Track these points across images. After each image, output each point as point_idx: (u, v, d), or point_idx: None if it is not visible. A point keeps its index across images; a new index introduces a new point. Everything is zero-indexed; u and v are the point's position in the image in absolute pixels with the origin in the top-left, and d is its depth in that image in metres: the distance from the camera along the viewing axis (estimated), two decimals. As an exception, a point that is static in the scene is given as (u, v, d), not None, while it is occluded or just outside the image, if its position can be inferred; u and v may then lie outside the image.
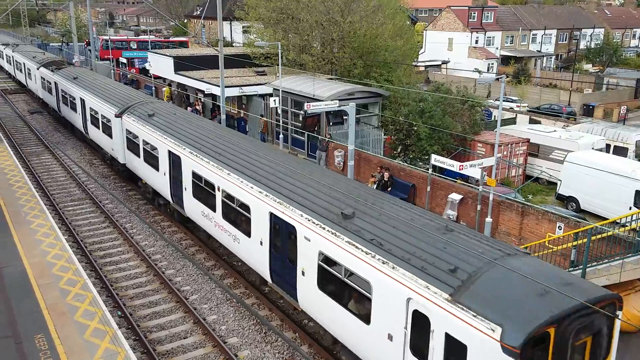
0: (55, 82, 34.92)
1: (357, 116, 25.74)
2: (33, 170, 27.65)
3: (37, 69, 39.96)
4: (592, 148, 27.77)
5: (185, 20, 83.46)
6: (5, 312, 14.10)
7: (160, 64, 41.59)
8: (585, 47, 75.67)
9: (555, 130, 30.59)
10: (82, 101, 29.02)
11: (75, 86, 30.76)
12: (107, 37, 65.85)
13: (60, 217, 21.80)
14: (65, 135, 35.12)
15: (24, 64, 46.55)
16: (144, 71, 52.98)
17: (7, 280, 15.82)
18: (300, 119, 29.72)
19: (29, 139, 34.40)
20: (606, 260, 15.05)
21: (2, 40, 66.00)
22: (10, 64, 55.12)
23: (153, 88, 46.24)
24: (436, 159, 20.98)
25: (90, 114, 27.98)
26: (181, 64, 38.56)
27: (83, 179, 26.75)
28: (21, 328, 13.42)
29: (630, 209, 21.41)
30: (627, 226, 15.64)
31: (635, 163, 25.30)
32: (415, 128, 26.88)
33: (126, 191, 25.37)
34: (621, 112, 47.44)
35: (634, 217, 16.14)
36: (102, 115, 26.03)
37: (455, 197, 21.69)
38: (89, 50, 57.53)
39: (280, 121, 30.34)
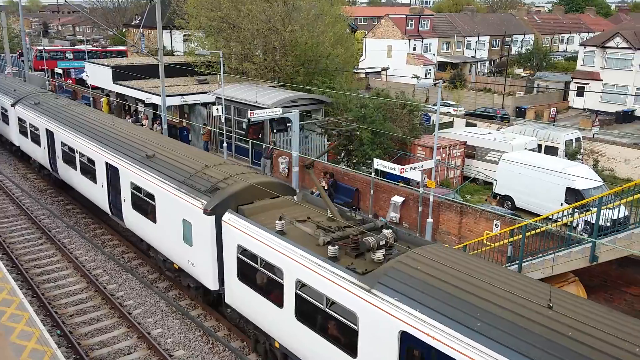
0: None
1: (300, 123, 25.91)
2: (-38, 187, 26.33)
3: None
4: (525, 148, 29.00)
5: (124, 30, 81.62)
6: None
7: (98, 74, 40.52)
8: (516, 53, 78.96)
9: (490, 133, 31.77)
10: None
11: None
12: (41, 48, 63.63)
13: (-7, 235, 20.87)
14: (-3, 150, 33.60)
15: None
16: (81, 82, 51.47)
17: None
18: (244, 127, 29.64)
19: (-43, 155, 32.74)
20: (540, 255, 15.77)
21: None
22: None
23: (91, 99, 44.99)
24: (378, 163, 21.41)
25: None
26: (120, 74, 37.71)
27: (17, 194, 25.70)
28: (-48, 352, 12.78)
29: (561, 205, 22.50)
30: (558, 222, 16.42)
31: (565, 161, 26.61)
32: (358, 133, 27.33)
33: (63, 205, 24.56)
34: (551, 113, 49.79)
35: (565, 213, 16.97)
36: None
37: (398, 199, 22.19)
38: (23, 61, 55.36)
39: (224, 129, 30.18)
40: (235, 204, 13.83)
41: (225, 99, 29.70)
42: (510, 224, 17.96)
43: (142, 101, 35.12)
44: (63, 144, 22.69)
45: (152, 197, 16.42)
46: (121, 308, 15.88)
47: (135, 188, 17.38)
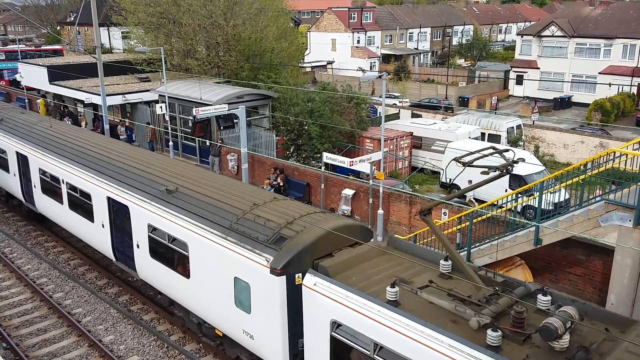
0: None
1: (247, 119, 25.68)
2: None
3: None
4: (469, 137, 29.75)
5: (58, 28, 78.61)
6: None
7: (33, 75, 38.87)
8: (457, 43, 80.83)
9: (435, 123, 32.42)
10: None
11: None
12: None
13: None
14: None
15: None
16: (15, 83, 49.24)
17: None
18: (190, 124, 29.10)
19: None
20: (487, 241, 16.22)
21: None
22: None
23: (26, 100, 43.12)
24: (328, 157, 21.48)
25: None
26: (56, 74, 36.29)
27: (-50, 203, 24.39)
28: None
29: (505, 191, 23.18)
30: (503, 207, 16.92)
31: (507, 149, 27.41)
32: (306, 127, 27.33)
33: (1, 213, 23.47)
34: (493, 102, 51.28)
35: (509, 199, 17.50)
36: None
37: (348, 192, 22.34)
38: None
39: (169, 128, 29.54)
40: (311, 258, 10.65)
41: (168, 97, 29.08)
42: (458, 211, 18.40)
43: (82, 101, 33.92)
44: (42, 172, 18.85)
45: (183, 245, 12.91)
46: (69, 317, 15.34)
47: (155, 232, 13.83)
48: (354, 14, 73.04)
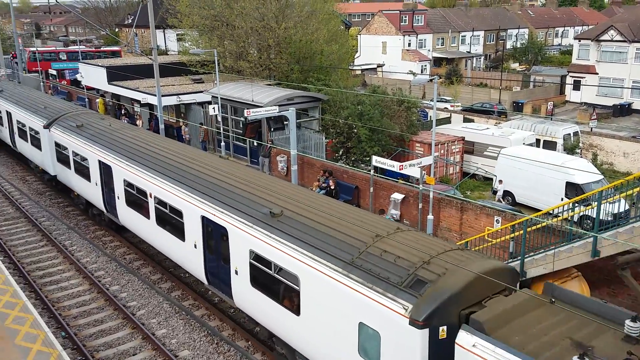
0: None
1: (297, 121, 25.88)
2: (-40, 190, 26.13)
3: None
4: (523, 143, 29.04)
5: (117, 29, 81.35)
6: (-62, 342, 13.32)
7: (93, 75, 40.38)
8: (511, 47, 79.06)
9: (488, 128, 31.81)
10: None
11: None
12: (34, 49, 63.39)
13: (-7, 238, 20.78)
14: (-7, 152, 33.38)
15: None
16: (76, 82, 51.29)
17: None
18: (241, 125, 29.59)
19: (-47, 158, 32.52)
20: (542, 250, 15.78)
21: None
22: None
23: (86, 100, 44.85)
24: (377, 160, 21.40)
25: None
26: (115, 74, 37.59)
27: (16, 196, 25.60)
28: (-43, 357, 12.74)
29: (562, 199, 22.55)
30: (559, 216, 16.43)
31: (564, 156, 26.65)
32: (355, 130, 27.32)
33: (63, 207, 24.48)
34: (548, 107, 49.90)
35: (565, 208, 16.99)
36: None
37: (398, 196, 22.20)
38: (17, 63, 55.16)
39: (221, 129, 30.09)
40: (457, 309, 9.12)
41: (221, 98, 29.63)
42: (511, 219, 17.99)
43: (138, 101, 35.01)
44: (127, 184, 18.00)
45: (293, 278, 11.51)
46: (125, 309, 15.86)
47: (257, 259, 12.56)
48: (405, 17, 72.57)
